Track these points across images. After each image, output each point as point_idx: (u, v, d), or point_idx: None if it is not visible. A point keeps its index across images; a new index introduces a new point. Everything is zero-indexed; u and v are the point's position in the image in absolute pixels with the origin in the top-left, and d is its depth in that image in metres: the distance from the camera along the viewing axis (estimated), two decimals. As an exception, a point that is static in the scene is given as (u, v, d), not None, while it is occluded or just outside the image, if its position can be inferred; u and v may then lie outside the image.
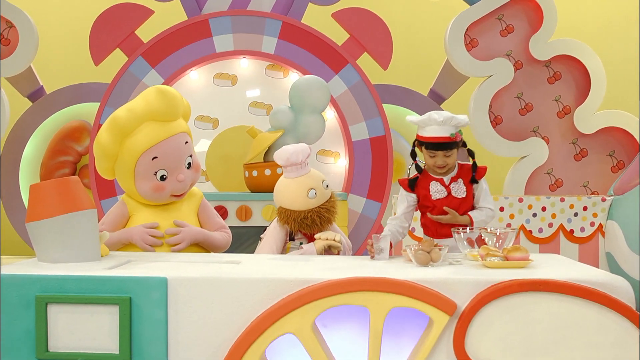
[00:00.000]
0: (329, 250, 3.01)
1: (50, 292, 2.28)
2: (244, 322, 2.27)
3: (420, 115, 3.17)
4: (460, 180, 3.12)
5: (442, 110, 3.42)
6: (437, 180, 3.13)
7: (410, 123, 3.20)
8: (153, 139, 3.01)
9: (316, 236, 3.03)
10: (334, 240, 2.98)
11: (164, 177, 3.05)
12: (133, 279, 2.29)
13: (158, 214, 3.11)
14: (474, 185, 3.13)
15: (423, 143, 3.09)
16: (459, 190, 3.12)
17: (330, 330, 2.39)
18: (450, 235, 2.87)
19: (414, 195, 3.15)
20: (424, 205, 3.14)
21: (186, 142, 3.12)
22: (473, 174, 3.13)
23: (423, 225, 3.22)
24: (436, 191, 3.12)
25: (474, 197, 3.14)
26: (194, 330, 2.29)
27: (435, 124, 3.03)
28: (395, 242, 3.10)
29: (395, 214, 3.23)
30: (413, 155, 3.20)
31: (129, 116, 3.00)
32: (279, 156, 3.06)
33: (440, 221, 3.06)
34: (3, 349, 2.28)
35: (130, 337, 2.26)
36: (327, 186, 3.06)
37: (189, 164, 3.12)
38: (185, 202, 3.21)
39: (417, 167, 3.17)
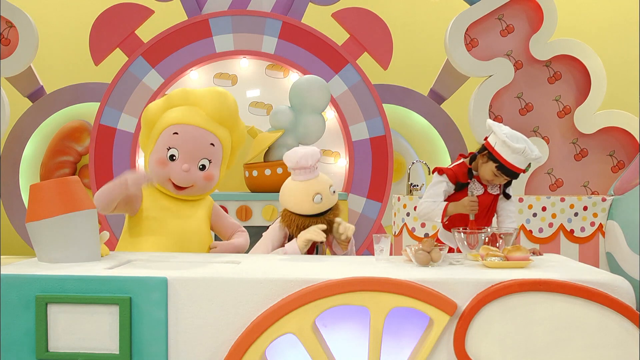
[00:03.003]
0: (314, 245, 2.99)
1: (50, 292, 2.28)
2: (244, 322, 2.27)
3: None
4: None
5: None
6: (476, 178, 3.22)
7: (491, 126, 3.13)
8: (186, 119, 3.08)
9: (299, 239, 2.98)
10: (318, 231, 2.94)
11: (173, 157, 3.06)
12: (133, 279, 2.29)
13: (168, 214, 3.11)
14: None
15: (497, 161, 3.06)
16: (494, 187, 3.22)
17: (330, 330, 2.39)
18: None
19: (452, 185, 3.21)
20: (458, 197, 3.19)
21: (212, 144, 3.11)
22: (506, 191, 3.25)
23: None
24: (474, 188, 3.20)
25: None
26: (194, 330, 2.29)
27: (523, 156, 3.01)
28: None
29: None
30: (472, 160, 3.19)
31: (181, 93, 3.15)
32: (288, 158, 3.03)
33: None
34: (3, 349, 2.28)
35: (130, 337, 2.26)
36: (334, 192, 3.03)
37: (203, 166, 3.11)
38: (197, 208, 3.20)
39: (470, 172, 3.19)
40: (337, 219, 3.00)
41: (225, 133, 3.18)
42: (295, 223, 2.99)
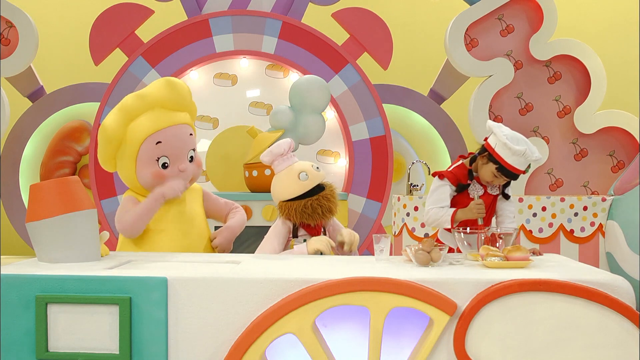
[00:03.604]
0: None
1: (50, 292, 2.28)
2: (244, 322, 2.27)
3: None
4: None
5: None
6: (475, 179, 3.22)
7: (491, 126, 3.12)
8: (159, 124, 3.04)
9: (310, 245, 3.01)
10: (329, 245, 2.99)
11: (166, 164, 3.06)
12: (133, 279, 2.29)
13: (164, 211, 3.11)
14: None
15: (497, 162, 3.06)
16: (494, 188, 3.21)
17: (330, 330, 2.39)
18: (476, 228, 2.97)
19: (454, 188, 3.21)
20: (459, 199, 3.20)
21: (190, 134, 3.15)
22: (505, 191, 3.25)
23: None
24: (474, 189, 3.20)
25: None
26: (194, 330, 2.29)
27: (523, 157, 3.01)
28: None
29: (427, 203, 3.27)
30: (472, 161, 3.19)
31: (136, 101, 3.04)
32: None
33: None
34: (3, 349, 2.28)
35: (130, 337, 2.26)
36: (317, 168, 3.09)
37: (192, 157, 3.15)
38: (189, 199, 3.23)
39: (470, 173, 3.19)
40: (342, 232, 3.04)
41: (188, 116, 3.20)
42: (292, 208, 3.02)
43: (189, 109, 3.20)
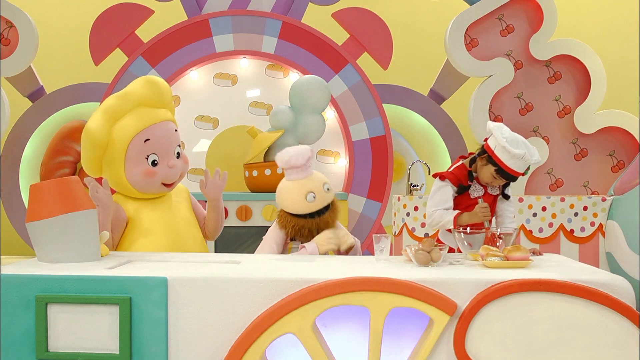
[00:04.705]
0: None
1: (50, 292, 2.28)
2: (244, 322, 2.27)
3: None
4: None
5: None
6: (475, 179, 3.22)
7: (491, 128, 3.11)
8: (145, 122, 3.04)
9: (319, 244, 2.99)
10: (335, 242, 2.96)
11: (155, 162, 3.06)
12: (133, 279, 2.29)
13: (151, 208, 3.11)
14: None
15: (496, 164, 3.06)
16: (494, 188, 3.22)
17: (330, 330, 2.39)
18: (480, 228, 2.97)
19: (456, 189, 3.20)
20: (460, 200, 3.20)
21: (175, 130, 3.17)
22: (505, 192, 3.25)
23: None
24: (475, 190, 3.20)
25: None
26: (194, 330, 2.29)
27: (522, 161, 3.01)
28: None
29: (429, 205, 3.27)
30: (472, 161, 3.19)
31: (118, 101, 3.04)
32: (279, 158, 3.02)
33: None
34: (3, 349, 2.28)
35: (130, 337, 2.26)
36: (328, 189, 3.01)
37: (178, 153, 3.16)
38: (175, 196, 3.24)
39: (470, 174, 3.19)
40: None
41: (170, 113, 3.21)
42: (290, 224, 2.98)
43: (170, 106, 3.22)
